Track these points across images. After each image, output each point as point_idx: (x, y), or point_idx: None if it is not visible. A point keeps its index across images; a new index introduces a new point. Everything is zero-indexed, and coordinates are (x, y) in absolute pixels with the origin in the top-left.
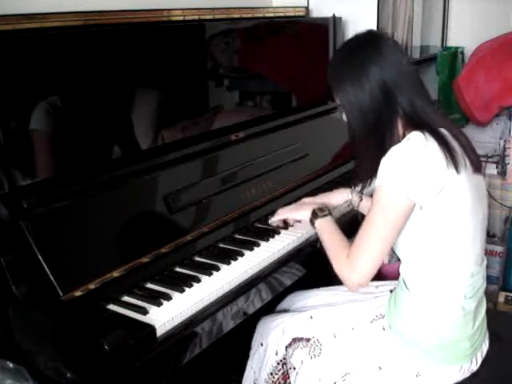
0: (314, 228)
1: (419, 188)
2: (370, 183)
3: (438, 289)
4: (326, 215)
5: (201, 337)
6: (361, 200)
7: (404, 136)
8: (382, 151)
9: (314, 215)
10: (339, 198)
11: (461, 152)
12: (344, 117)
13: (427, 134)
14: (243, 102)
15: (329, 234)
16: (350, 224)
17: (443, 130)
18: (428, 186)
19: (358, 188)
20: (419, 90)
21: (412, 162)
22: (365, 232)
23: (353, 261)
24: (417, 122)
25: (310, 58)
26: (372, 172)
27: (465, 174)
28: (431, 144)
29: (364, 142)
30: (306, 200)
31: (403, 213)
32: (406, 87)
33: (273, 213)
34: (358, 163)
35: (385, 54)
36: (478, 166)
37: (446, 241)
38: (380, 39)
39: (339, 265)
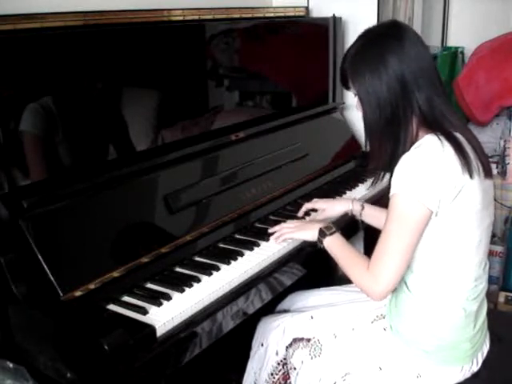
0: (322, 247)
1: (436, 195)
2: (382, 178)
3: (440, 291)
4: (333, 233)
5: (201, 337)
6: (363, 209)
7: (417, 135)
8: (396, 147)
9: (322, 234)
10: (340, 207)
11: (474, 156)
12: (358, 107)
13: (442, 138)
14: (243, 102)
15: (341, 250)
16: (349, 225)
17: (458, 134)
18: (444, 192)
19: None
20: (438, 88)
21: (428, 168)
22: (385, 242)
23: (375, 272)
24: (431, 122)
25: (310, 58)
26: (385, 167)
27: (477, 178)
28: (447, 148)
29: (379, 135)
30: (308, 205)
31: (421, 221)
32: (425, 83)
33: (273, 213)
34: (371, 157)
35: (406, 47)
36: (488, 171)
37: (452, 245)
38: (403, 31)
39: (360, 277)
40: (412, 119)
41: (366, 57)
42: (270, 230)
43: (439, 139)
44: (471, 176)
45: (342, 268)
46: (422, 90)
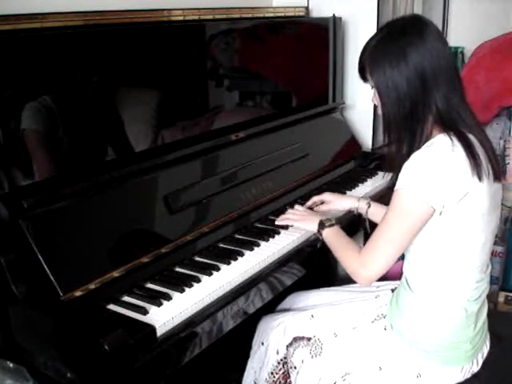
0: (321, 238)
1: (442, 195)
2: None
3: (442, 291)
4: (332, 225)
5: (201, 337)
6: (369, 207)
7: (431, 133)
8: (413, 142)
9: (321, 226)
10: (347, 203)
11: (485, 159)
12: (374, 100)
13: (454, 139)
14: (243, 102)
15: (337, 241)
16: (350, 224)
17: (471, 136)
18: (451, 193)
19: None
20: (456, 86)
21: (437, 168)
22: (380, 233)
23: (365, 257)
24: (446, 122)
25: (310, 58)
26: (404, 159)
27: (486, 181)
28: (457, 150)
29: (399, 127)
30: (315, 198)
31: (422, 218)
32: (444, 81)
33: (273, 213)
34: (390, 152)
35: (428, 43)
36: (498, 175)
37: (456, 247)
38: (425, 26)
39: (350, 260)
40: (428, 118)
41: (386, 49)
42: (277, 221)
43: (451, 139)
44: (480, 179)
45: (336, 256)
46: (441, 88)
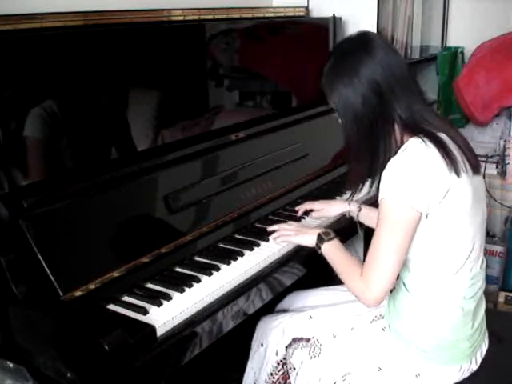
0: (320, 253)
1: (424, 198)
2: (361, 190)
3: (437, 290)
4: (331, 239)
5: (201, 337)
6: (360, 210)
7: (402, 141)
8: (376, 158)
9: (320, 240)
10: (338, 208)
11: (459, 155)
12: (340, 121)
13: (426, 140)
14: (243, 102)
15: (338, 257)
16: (350, 226)
17: (441, 134)
18: (432, 194)
19: (349, 194)
20: (415, 93)
21: (414, 171)
22: (376, 248)
23: (367, 279)
24: (414, 128)
25: (310, 58)
26: (363, 178)
27: (465, 176)
28: (431, 150)
29: (358, 147)
30: (306, 206)
31: (411, 224)
32: (402, 91)
33: (273, 213)
34: (349, 169)
35: (376, 57)
36: (476, 167)
37: (446, 244)
38: (370, 41)
39: (354, 284)
40: (394, 128)
41: (339, 71)
42: (269, 229)
43: (423, 141)
44: (458, 175)
45: (338, 274)
46: (401, 99)
